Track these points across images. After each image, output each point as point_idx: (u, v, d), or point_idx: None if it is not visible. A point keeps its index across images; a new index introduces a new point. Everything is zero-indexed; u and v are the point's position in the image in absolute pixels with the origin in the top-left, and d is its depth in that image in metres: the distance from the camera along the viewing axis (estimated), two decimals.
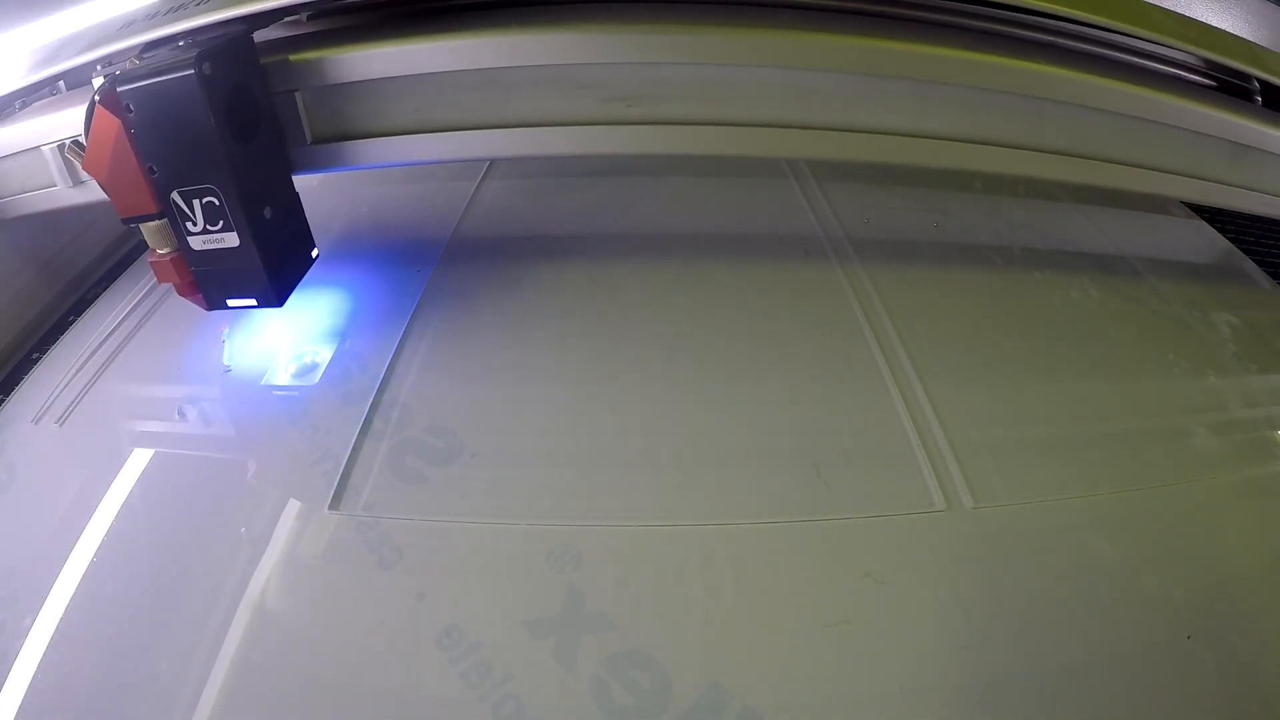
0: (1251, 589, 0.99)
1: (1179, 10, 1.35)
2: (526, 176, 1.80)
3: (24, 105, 1.34)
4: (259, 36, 1.13)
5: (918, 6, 1.32)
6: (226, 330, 1.33)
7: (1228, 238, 1.73)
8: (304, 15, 1.29)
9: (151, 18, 1.17)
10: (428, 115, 1.19)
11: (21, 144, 1.26)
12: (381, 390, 1.19)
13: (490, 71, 1.16)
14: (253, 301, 1.18)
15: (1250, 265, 1.65)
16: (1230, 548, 1.03)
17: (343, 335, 1.31)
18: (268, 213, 1.13)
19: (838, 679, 0.86)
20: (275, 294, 1.17)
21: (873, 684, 0.86)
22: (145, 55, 1.08)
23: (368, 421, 1.14)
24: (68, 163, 1.23)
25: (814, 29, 1.20)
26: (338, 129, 1.20)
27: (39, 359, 1.40)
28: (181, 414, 1.20)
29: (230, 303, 1.18)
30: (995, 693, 0.86)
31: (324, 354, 1.28)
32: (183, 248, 1.12)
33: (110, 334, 1.40)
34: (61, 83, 1.37)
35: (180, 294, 1.18)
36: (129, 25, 1.19)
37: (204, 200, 1.07)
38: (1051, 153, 1.31)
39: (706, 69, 1.18)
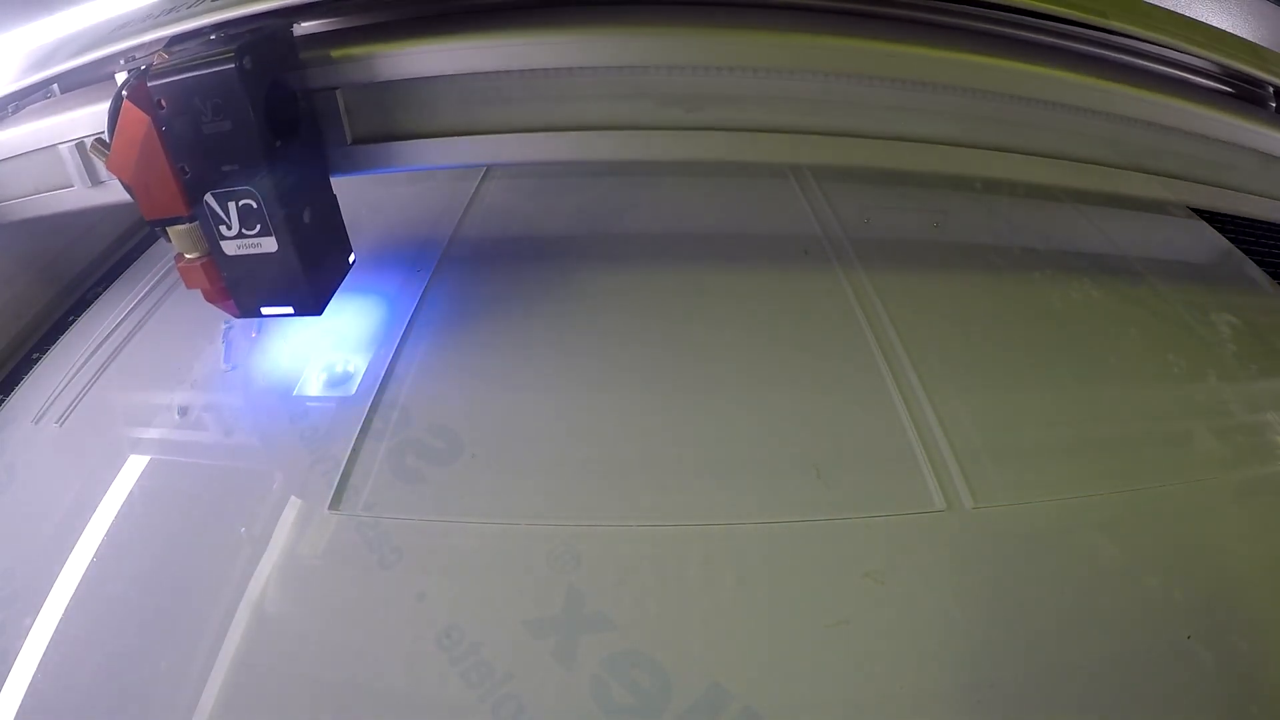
0: (1251, 589, 0.99)
1: (1182, 12, 1.35)
2: (526, 177, 1.80)
3: (16, 109, 1.31)
4: (298, 31, 1.07)
5: (961, 14, 1.32)
6: (225, 325, 1.33)
7: (1228, 238, 1.73)
8: (301, 21, 1.24)
9: (146, 19, 1.16)
10: (475, 117, 1.13)
11: (33, 144, 1.22)
12: (381, 390, 1.19)
13: (541, 72, 1.10)
14: (289, 310, 1.11)
15: (1250, 265, 1.65)
16: (1230, 548, 1.03)
17: (343, 336, 1.31)
18: (306, 216, 1.06)
19: (838, 679, 0.86)
20: (314, 301, 1.11)
21: (873, 684, 0.86)
22: (173, 49, 1.01)
23: (368, 421, 1.14)
24: (88, 161, 1.17)
25: (865, 36, 1.19)
26: (380, 129, 1.14)
27: (39, 359, 1.40)
28: (182, 414, 1.20)
29: (265, 311, 1.11)
30: (995, 693, 0.86)
31: (324, 355, 1.28)
32: (214, 252, 1.06)
33: (110, 334, 1.40)
34: (55, 86, 1.35)
35: (209, 300, 1.11)
36: (123, 27, 1.18)
37: (240, 203, 1.00)
38: (1080, 161, 1.32)
39: (762, 75, 1.14)
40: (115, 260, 1.70)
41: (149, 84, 0.94)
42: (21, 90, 1.25)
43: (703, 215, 1.66)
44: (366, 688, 0.87)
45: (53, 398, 1.27)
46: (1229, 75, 1.47)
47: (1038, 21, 1.34)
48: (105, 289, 1.58)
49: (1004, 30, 1.34)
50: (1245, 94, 1.49)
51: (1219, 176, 1.41)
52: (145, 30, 1.12)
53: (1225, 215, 1.80)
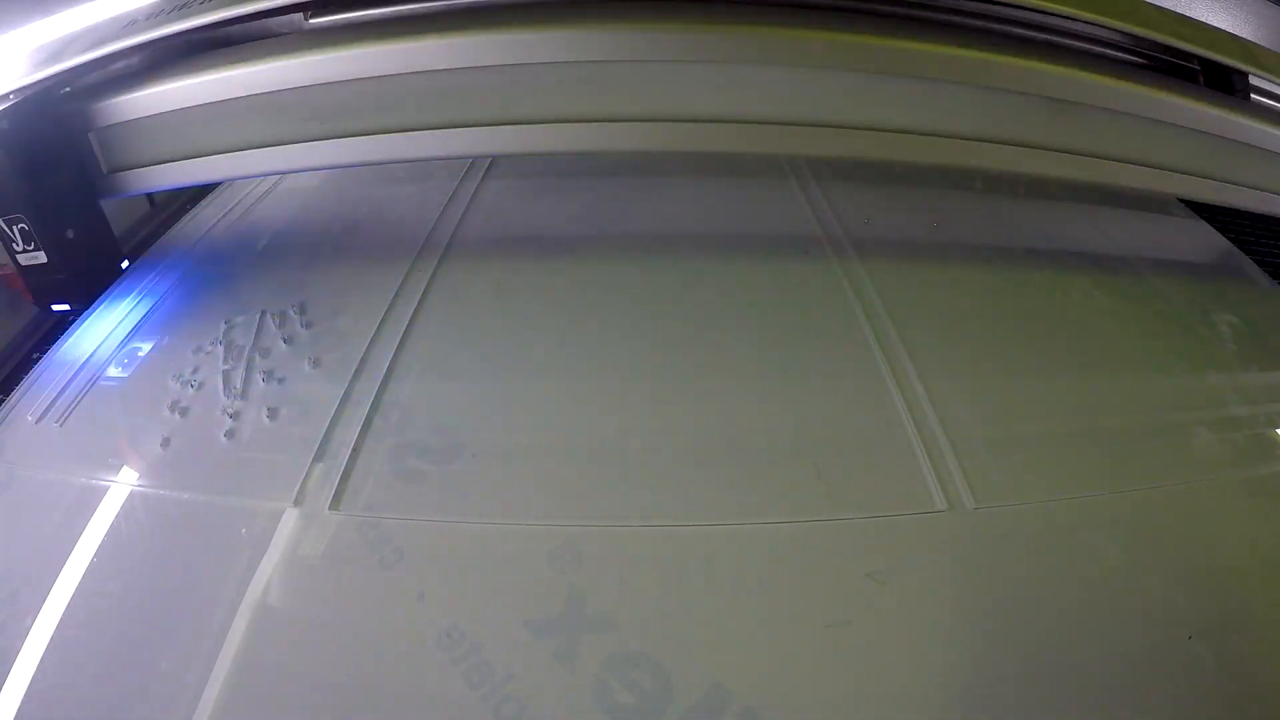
0: (1251, 589, 0.99)
1: (1178, 9, 1.35)
2: (527, 176, 1.79)
3: None
4: (76, 86, 1.35)
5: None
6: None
7: (1228, 238, 1.73)
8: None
9: (152, 17, 1.18)
10: (211, 139, 1.35)
11: None
12: (381, 390, 1.19)
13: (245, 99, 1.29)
14: (67, 306, 1.42)
15: (1250, 265, 1.65)
16: (1230, 548, 1.04)
17: (343, 335, 1.31)
18: (70, 234, 1.35)
19: (840, 680, 0.86)
20: (81, 300, 1.42)
21: (874, 684, 0.86)
22: None
23: (368, 421, 1.14)
24: None
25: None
26: (130, 159, 1.39)
27: (39, 359, 1.40)
28: (182, 414, 1.20)
29: (54, 307, 1.42)
30: (996, 693, 0.86)
31: (324, 354, 1.28)
32: (13, 263, 1.35)
33: (110, 334, 1.40)
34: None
35: (29, 302, 1.45)
36: (131, 24, 1.19)
37: (18, 226, 1.30)
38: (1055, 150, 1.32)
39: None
40: None
41: None
42: (28, 86, 1.32)
43: (703, 216, 1.66)
44: (366, 688, 0.87)
45: (53, 398, 1.27)
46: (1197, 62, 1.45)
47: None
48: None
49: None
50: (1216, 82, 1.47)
51: (1202, 167, 1.41)
52: (151, 27, 1.18)
53: (1225, 214, 1.80)
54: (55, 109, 1.32)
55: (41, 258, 1.32)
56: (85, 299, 1.42)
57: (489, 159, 1.84)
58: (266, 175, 1.69)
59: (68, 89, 1.36)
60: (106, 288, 1.45)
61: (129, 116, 1.33)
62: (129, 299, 1.49)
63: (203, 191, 1.91)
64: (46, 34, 1.37)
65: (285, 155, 1.33)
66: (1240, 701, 0.88)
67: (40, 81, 1.30)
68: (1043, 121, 1.30)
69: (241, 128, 1.32)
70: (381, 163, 1.37)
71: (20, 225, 1.30)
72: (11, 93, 1.30)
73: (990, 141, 1.30)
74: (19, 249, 1.32)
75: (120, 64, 1.36)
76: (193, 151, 1.36)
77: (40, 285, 1.37)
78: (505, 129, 1.27)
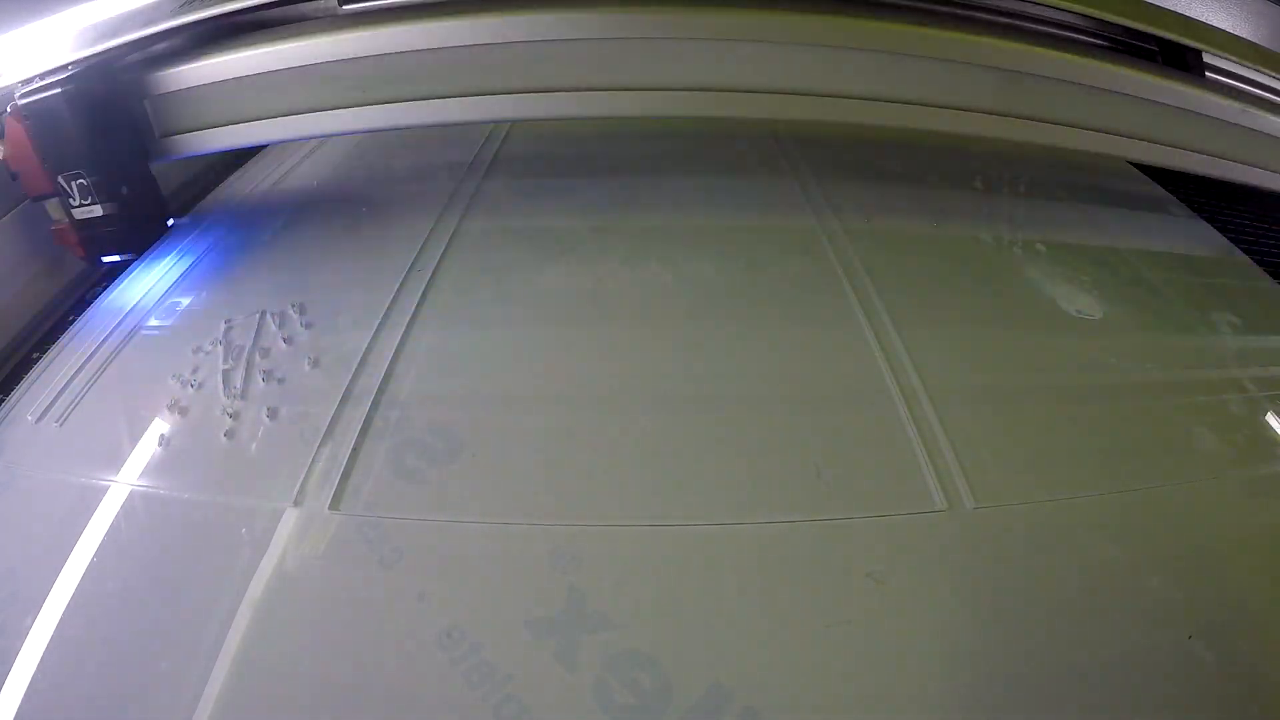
0: (1251, 589, 0.99)
1: (1179, 10, 1.35)
2: (527, 176, 1.80)
3: None
4: (133, 58, 1.53)
5: None
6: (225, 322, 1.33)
7: (1228, 237, 1.73)
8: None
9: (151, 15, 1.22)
10: (260, 106, 1.53)
11: None
12: (381, 390, 1.19)
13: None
14: (118, 256, 1.59)
15: (1250, 265, 1.65)
16: (1230, 548, 1.04)
17: (343, 335, 1.31)
18: (125, 190, 1.53)
19: (839, 679, 0.86)
20: (135, 249, 1.59)
21: (874, 684, 0.86)
22: (47, 78, 1.47)
23: (368, 421, 1.14)
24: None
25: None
26: (182, 124, 1.57)
27: (39, 359, 1.40)
28: (182, 414, 1.20)
29: (105, 259, 1.60)
30: (996, 692, 0.86)
31: (324, 354, 1.28)
32: (68, 216, 1.52)
33: (110, 334, 1.40)
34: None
35: (77, 256, 1.58)
36: (184, 4, 1.39)
37: (76, 182, 1.48)
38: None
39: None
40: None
41: (19, 104, 1.44)
42: (88, 58, 1.48)
43: (704, 216, 1.66)
44: (367, 688, 0.87)
45: (53, 398, 1.27)
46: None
47: None
48: (105, 289, 1.58)
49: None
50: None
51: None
52: (197, 9, 1.39)
53: (1225, 214, 1.80)
54: (113, 79, 1.50)
55: (97, 211, 1.50)
56: (138, 249, 1.59)
57: (489, 158, 1.84)
58: (307, 138, 1.88)
59: (130, 59, 1.54)
60: (156, 240, 1.64)
61: (180, 86, 1.52)
62: (129, 299, 1.49)
63: (203, 191, 1.91)
64: (100, 12, 1.52)
65: (324, 120, 1.51)
66: (1240, 701, 0.88)
67: (99, 54, 1.47)
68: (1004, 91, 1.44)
69: (283, 96, 1.50)
70: (411, 126, 1.54)
71: (79, 181, 1.47)
72: (71, 64, 1.47)
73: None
74: (75, 203, 1.50)
75: (172, 41, 1.54)
76: (238, 118, 1.54)
77: (93, 238, 1.54)
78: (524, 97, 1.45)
